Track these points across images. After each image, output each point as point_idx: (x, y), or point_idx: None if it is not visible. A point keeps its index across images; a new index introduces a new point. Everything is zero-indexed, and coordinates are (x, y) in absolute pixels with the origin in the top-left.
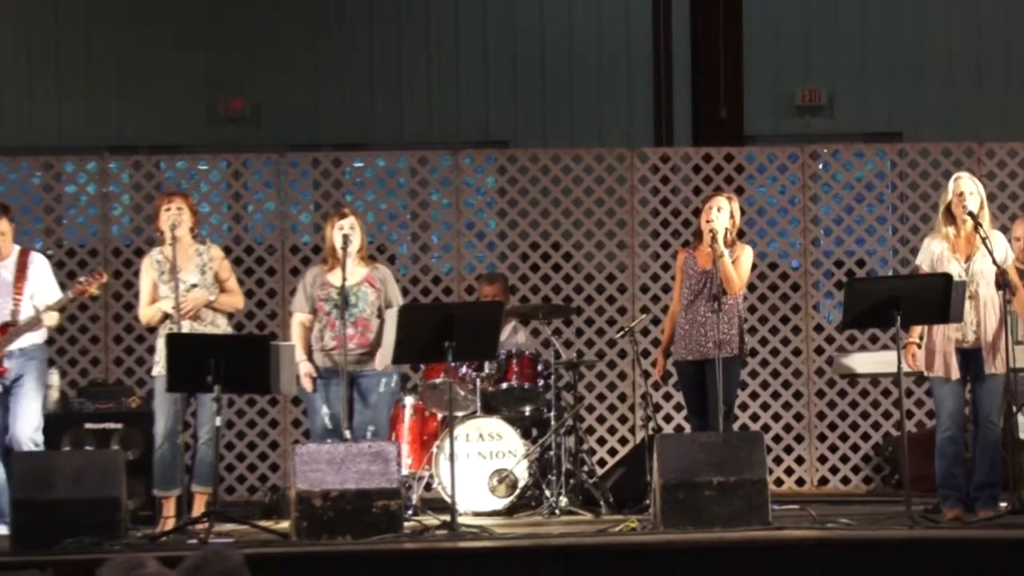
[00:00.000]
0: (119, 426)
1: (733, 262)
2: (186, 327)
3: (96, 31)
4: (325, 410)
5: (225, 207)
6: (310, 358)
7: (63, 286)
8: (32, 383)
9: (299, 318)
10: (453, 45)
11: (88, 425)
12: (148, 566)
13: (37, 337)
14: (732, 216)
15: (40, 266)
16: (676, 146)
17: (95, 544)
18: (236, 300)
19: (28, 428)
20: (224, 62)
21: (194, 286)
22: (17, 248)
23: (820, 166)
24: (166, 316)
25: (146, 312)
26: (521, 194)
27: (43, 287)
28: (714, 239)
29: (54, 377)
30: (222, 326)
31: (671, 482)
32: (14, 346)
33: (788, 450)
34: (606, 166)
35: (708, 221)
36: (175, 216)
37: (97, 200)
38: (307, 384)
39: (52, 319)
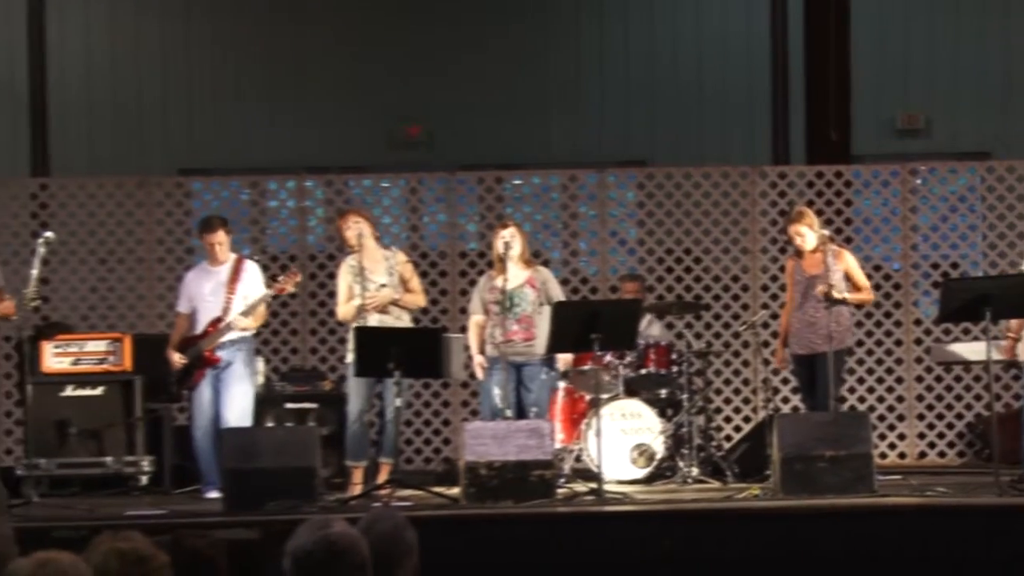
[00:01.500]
0: (314, 406)
1: (847, 275)
2: (374, 321)
3: (297, 68)
4: (497, 391)
5: (404, 219)
6: (484, 352)
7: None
8: (240, 369)
9: (475, 319)
10: (598, 75)
11: (288, 405)
12: (336, 525)
13: (245, 330)
14: (815, 230)
15: (252, 272)
16: (792, 164)
17: (294, 507)
18: (419, 299)
19: (236, 410)
20: (403, 94)
21: (383, 286)
22: (233, 256)
23: (918, 181)
24: (359, 310)
25: (343, 309)
26: (657, 206)
27: (254, 291)
28: (827, 296)
29: (259, 364)
30: (405, 320)
31: (789, 455)
32: (224, 338)
33: (891, 428)
34: (731, 182)
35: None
36: (355, 228)
37: (296, 213)
38: (479, 373)
39: (243, 323)
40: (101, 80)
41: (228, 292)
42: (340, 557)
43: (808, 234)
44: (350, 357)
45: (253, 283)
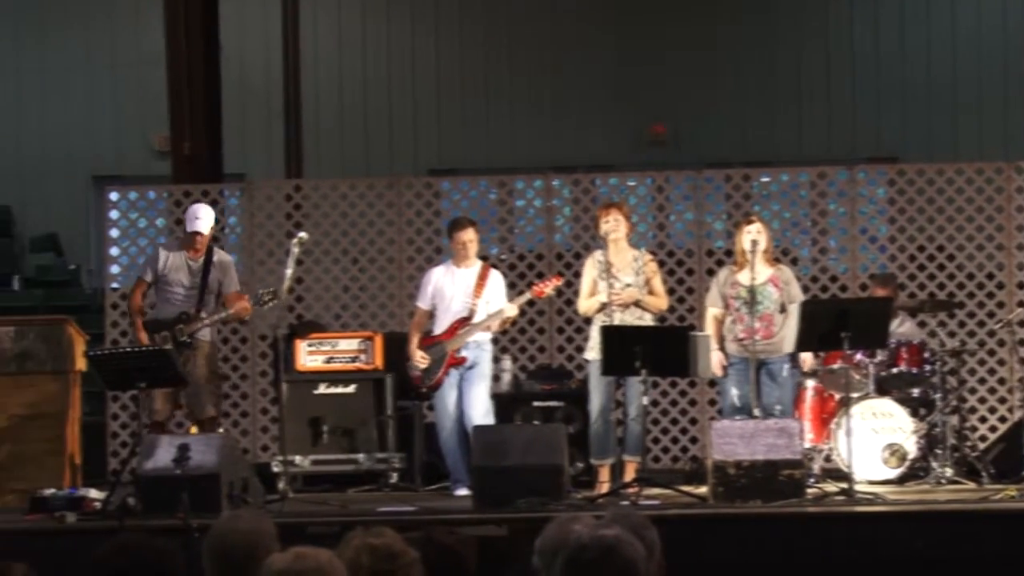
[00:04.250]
0: (561, 404)
1: None
2: (617, 319)
3: (543, 69)
4: (734, 392)
5: (650, 217)
6: (722, 347)
7: (512, 286)
8: (484, 369)
9: (712, 312)
10: (849, 71)
11: (535, 403)
12: (582, 521)
13: (487, 332)
14: None
15: (496, 281)
16: None
17: (542, 504)
18: (661, 302)
19: (480, 408)
20: (650, 93)
21: (628, 285)
22: (480, 262)
23: None
24: (602, 307)
25: (585, 303)
26: (909, 203)
27: (496, 299)
28: None
29: (507, 362)
30: (647, 321)
31: None
32: (469, 338)
33: None
34: (985, 178)
35: None
36: (611, 225)
37: (542, 212)
38: (718, 369)
39: (513, 310)
40: (352, 83)
41: (475, 296)
42: (615, 558)
43: None
44: (589, 354)
45: (496, 291)
